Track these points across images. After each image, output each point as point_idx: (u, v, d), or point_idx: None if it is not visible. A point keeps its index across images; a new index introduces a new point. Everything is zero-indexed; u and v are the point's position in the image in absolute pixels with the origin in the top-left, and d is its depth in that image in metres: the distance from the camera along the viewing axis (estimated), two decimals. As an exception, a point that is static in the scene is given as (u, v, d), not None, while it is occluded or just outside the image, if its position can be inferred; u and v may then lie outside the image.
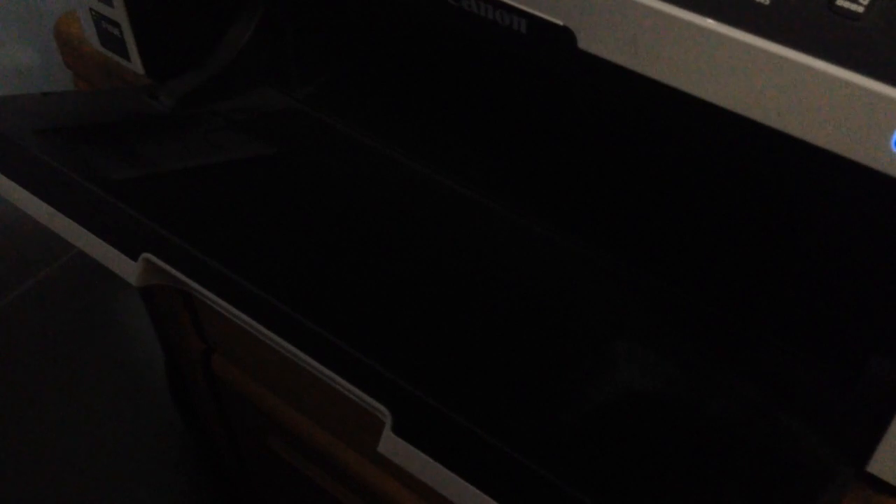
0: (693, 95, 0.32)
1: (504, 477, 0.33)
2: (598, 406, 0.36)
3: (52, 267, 0.89)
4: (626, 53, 0.32)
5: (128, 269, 0.39)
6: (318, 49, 0.56)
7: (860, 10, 0.28)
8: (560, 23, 0.34)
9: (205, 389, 0.79)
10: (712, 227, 0.45)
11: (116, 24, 0.51)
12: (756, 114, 0.31)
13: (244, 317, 0.36)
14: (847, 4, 0.29)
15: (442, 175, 0.50)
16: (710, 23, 0.30)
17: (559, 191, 0.49)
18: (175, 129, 0.49)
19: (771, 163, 0.39)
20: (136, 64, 0.52)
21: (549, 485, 0.32)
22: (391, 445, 0.34)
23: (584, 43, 0.34)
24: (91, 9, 0.52)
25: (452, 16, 0.39)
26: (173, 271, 0.38)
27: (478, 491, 0.32)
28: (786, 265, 0.43)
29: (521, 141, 0.52)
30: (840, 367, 0.40)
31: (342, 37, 0.56)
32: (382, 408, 0.34)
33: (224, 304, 0.37)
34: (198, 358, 0.76)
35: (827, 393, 0.39)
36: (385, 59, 0.56)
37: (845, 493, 0.37)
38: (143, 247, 0.38)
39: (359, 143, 0.52)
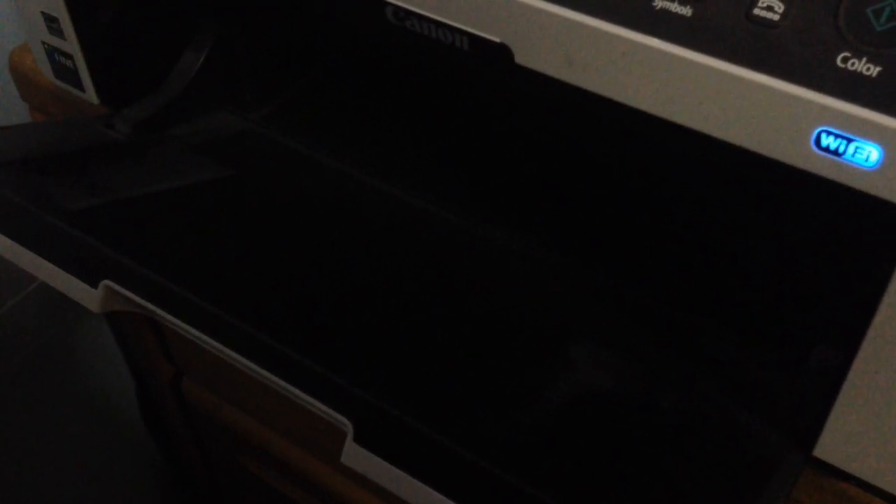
0: (626, 104, 0.33)
1: (467, 480, 0.34)
2: (554, 407, 0.37)
3: (18, 297, 0.89)
4: (561, 67, 0.34)
5: (88, 296, 0.39)
6: (271, 71, 0.57)
7: (776, 18, 0.30)
8: (497, 40, 0.35)
9: (176, 412, 0.79)
10: (658, 225, 0.46)
11: (69, 56, 0.51)
12: (685, 120, 0.32)
13: (203, 336, 0.37)
14: (763, 14, 0.30)
15: (399, 190, 0.51)
16: (636, 35, 0.32)
17: (509, 199, 0.51)
18: (132, 156, 0.50)
19: (711, 164, 0.41)
20: (90, 94, 0.53)
21: (510, 486, 0.33)
22: (354, 455, 0.35)
23: (520, 58, 0.35)
24: (43, 41, 0.52)
25: (399, 36, 0.40)
26: (133, 297, 0.38)
27: (441, 496, 0.33)
28: (730, 260, 0.44)
29: (474, 152, 0.53)
30: (785, 356, 0.41)
31: (295, 58, 0.57)
32: (343, 419, 0.35)
33: (182, 324, 0.38)
34: (167, 382, 0.76)
35: (774, 382, 0.41)
36: (338, 78, 0.57)
37: (796, 478, 0.38)
38: (103, 274, 0.39)
39: (316, 162, 0.53)
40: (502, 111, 0.50)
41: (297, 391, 0.36)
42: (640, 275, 0.45)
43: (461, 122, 0.52)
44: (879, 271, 0.32)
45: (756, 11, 0.30)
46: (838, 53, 0.29)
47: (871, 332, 0.33)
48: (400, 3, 0.38)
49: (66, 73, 0.53)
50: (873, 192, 0.30)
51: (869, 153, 0.29)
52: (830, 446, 0.37)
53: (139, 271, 0.39)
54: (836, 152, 0.30)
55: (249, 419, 0.71)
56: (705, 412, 0.39)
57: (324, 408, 0.35)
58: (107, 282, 0.39)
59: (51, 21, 0.50)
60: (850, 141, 0.29)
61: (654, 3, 0.31)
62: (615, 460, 0.36)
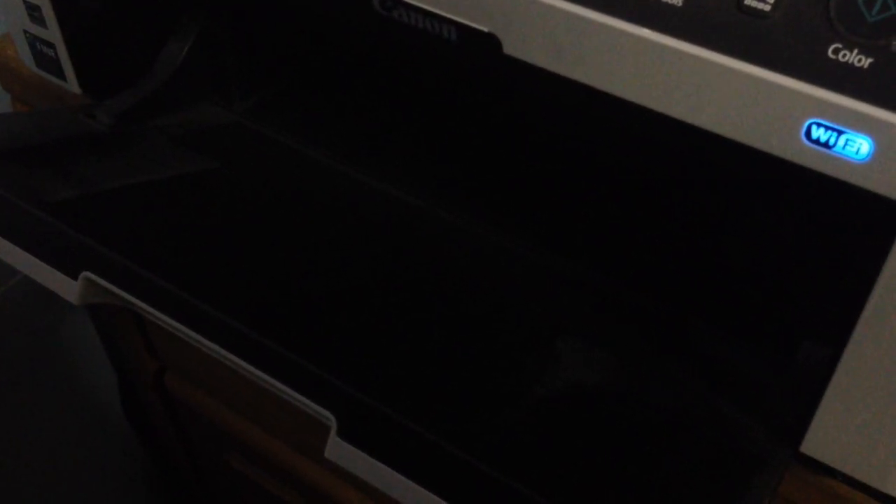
0: (616, 95, 0.33)
1: (452, 476, 0.33)
2: (541, 403, 0.37)
3: (0, 290, 0.88)
4: (550, 57, 0.33)
5: (68, 288, 0.39)
6: (256, 63, 0.56)
7: (767, 8, 0.30)
8: (485, 29, 0.35)
9: (160, 408, 0.79)
10: (647, 221, 0.46)
11: (51, 45, 0.51)
12: (675, 111, 0.32)
13: (184, 329, 0.37)
14: (755, 4, 0.30)
15: (383, 183, 0.50)
16: (626, 25, 0.31)
17: (496, 194, 0.50)
18: (114, 148, 0.49)
19: (700, 157, 0.40)
20: (72, 84, 0.52)
21: (496, 482, 0.32)
22: (337, 450, 0.34)
23: (509, 48, 0.34)
24: (25, 30, 0.52)
25: (387, 26, 0.40)
26: (114, 288, 0.38)
27: (425, 491, 0.33)
28: (719, 255, 0.44)
29: (462, 145, 0.53)
30: (774, 352, 0.41)
31: (280, 50, 0.57)
32: (327, 413, 0.34)
33: (162, 316, 0.37)
34: (151, 376, 0.75)
35: (762, 378, 0.41)
36: (324, 70, 0.56)
37: (784, 473, 0.38)
38: (83, 265, 0.38)
39: (301, 154, 0.52)
40: (490, 104, 0.50)
41: (280, 385, 0.35)
42: (629, 270, 0.45)
43: (449, 116, 0.52)
44: (869, 266, 0.32)
45: (747, 2, 0.30)
46: (829, 45, 0.29)
47: (859, 329, 0.33)
48: (387, -7, 0.37)
49: (48, 62, 0.52)
50: (864, 185, 0.29)
51: (860, 145, 0.29)
52: (817, 442, 0.37)
53: (120, 263, 0.38)
54: (826, 144, 0.29)
55: (234, 414, 0.70)
56: (693, 408, 0.38)
57: (307, 402, 0.35)
58: (87, 273, 0.38)
59: (32, 9, 0.50)
60: (840, 133, 0.29)
61: (645, -7, 0.31)
62: (602, 456, 0.35)
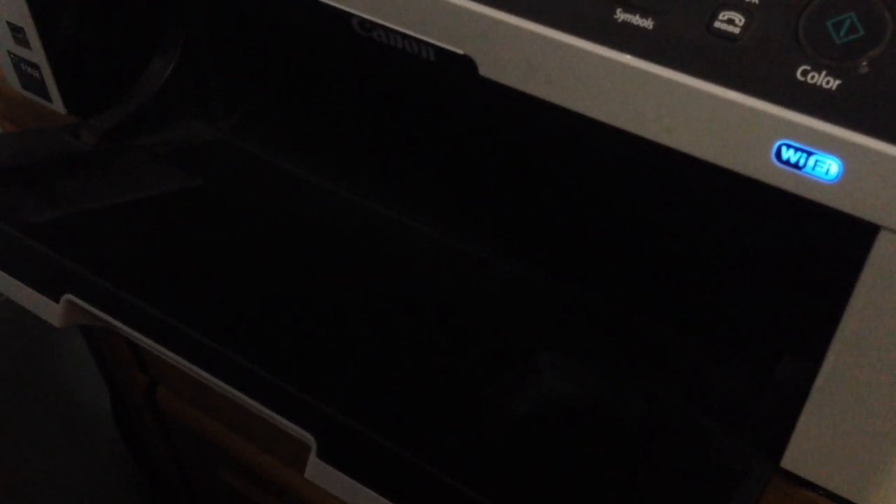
0: (589, 117, 0.33)
1: (433, 497, 0.33)
2: (520, 419, 0.37)
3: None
4: (524, 79, 0.34)
5: (50, 310, 0.39)
6: (240, 80, 0.57)
7: (736, 31, 0.30)
8: (461, 52, 0.35)
9: (152, 423, 0.79)
10: (626, 236, 0.46)
11: (35, 66, 0.51)
12: (647, 132, 0.32)
13: (166, 351, 0.37)
14: (724, 26, 0.30)
15: (368, 200, 0.50)
16: (597, 48, 0.31)
17: (476, 210, 0.50)
18: (98, 167, 0.49)
19: (676, 175, 0.41)
20: (57, 104, 0.52)
21: (475, 502, 0.33)
22: (317, 470, 0.34)
23: (484, 70, 0.35)
24: (9, 52, 0.52)
25: (367, 46, 0.40)
26: (96, 311, 0.38)
27: (406, 512, 0.33)
28: (697, 271, 0.44)
29: (442, 162, 0.53)
30: (753, 367, 0.41)
31: (263, 67, 0.57)
32: (307, 434, 0.34)
33: (144, 338, 0.37)
34: (143, 392, 0.75)
35: (742, 393, 0.41)
36: (307, 87, 0.57)
37: (764, 488, 0.38)
38: (65, 288, 0.39)
39: (285, 172, 0.53)
40: (470, 122, 0.50)
41: (259, 406, 0.35)
42: (609, 285, 0.45)
43: (429, 132, 0.52)
44: (844, 282, 0.32)
45: (717, 24, 0.30)
46: (798, 66, 0.29)
47: (835, 344, 0.33)
48: (365, 15, 0.38)
49: (33, 83, 0.52)
50: (834, 205, 0.30)
51: (829, 166, 0.29)
52: (797, 457, 0.37)
53: (102, 285, 0.38)
54: (796, 165, 0.30)
55: (225, 429, 0.70)
56: (673, 423, 0.38)
57: (287, 423, 0.35)
58: (68, 296, 0.38)
59: (16, 31, 0.50)
60: (810, 154, 0.29)
61: (616, 16, 0.31)
62: (583, 473, 0.36)
